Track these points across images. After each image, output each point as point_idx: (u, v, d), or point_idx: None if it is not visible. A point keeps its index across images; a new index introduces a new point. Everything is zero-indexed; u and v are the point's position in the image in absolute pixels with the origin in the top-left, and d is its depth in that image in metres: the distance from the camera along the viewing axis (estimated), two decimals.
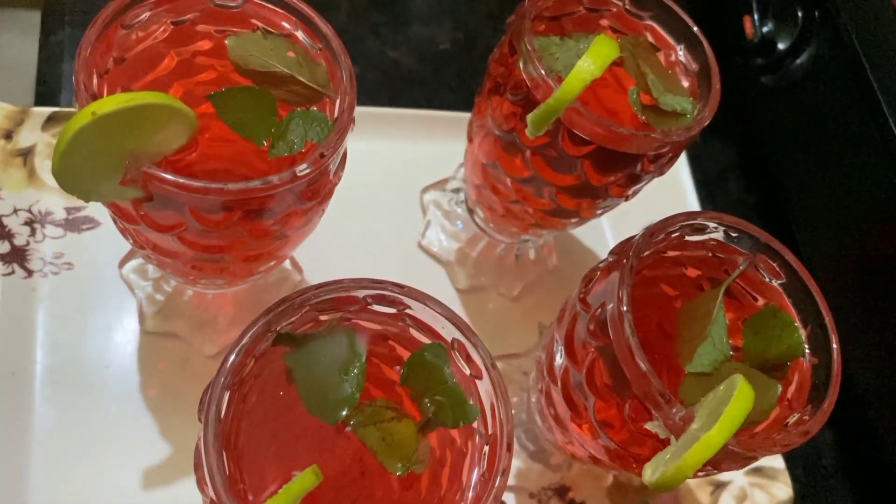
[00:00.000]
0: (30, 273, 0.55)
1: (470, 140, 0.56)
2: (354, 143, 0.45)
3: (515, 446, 0.58)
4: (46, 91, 0.63)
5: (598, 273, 0.45)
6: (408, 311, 0.39)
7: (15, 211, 0.57)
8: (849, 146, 0.69)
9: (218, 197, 0.37)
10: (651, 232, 0.43)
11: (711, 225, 0.45)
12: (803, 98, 0.74)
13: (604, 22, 0.53)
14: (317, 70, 0.43)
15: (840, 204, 0.71)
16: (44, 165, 0.59)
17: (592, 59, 0.41)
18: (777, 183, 0.77)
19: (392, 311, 0.39)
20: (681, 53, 0.53)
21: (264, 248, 0.43)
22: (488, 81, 0.53)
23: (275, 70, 0.42)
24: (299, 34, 0.44)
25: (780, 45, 0.74)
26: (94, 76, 0.39)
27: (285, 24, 0.44)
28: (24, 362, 0.53)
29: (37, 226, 0.57)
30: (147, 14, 0.42)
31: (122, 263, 0.57)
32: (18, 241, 0.56)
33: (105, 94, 0.41)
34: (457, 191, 0.66)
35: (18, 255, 0.56)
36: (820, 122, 0.73)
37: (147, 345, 0.56)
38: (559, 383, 0.46)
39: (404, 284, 0.38)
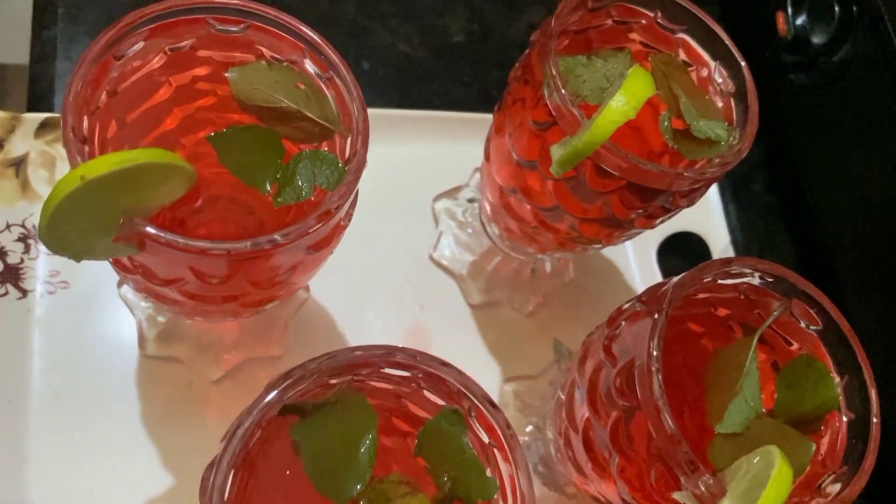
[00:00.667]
0: (24, 293, 0.53)
1: (487, 158, 0.53)
2: None
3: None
4: (39, 93, 0.60)
5: (624, 321, 0.42)
6: (421, 375, 0.36)
7: (8, 226, 0.54)
8: (884, 151, 0.66)
9: (219, 259, 0.34)
10: (683, 283, 0.40)
11: (746, 271, 0.42)
12: (837, 98, 0.70)
13: (633, 35, 0.50)
14: (326, 104, 0.40)
15: (872, 211, 0.68)
16: (38, 176, 0.56)
17: (626, 97, 0.38)
18: (804, 186, 0.73)
19: (405, 374, 0.36)
20: (715, 72, 0.49)
21: (270, 294, 0.41)
22: (509, 98, 0.49)
23: (281, 105, 0.38)
24: (306, 62, 0.41)
25: (815, 42, 0.70)
26: (85, 117, 0.36)
27: (291, 52, 0.41)
28: (20, 389, 0.51)
29: (31, 241, 0.54)
30: (141, 44, 0.38)
31: (121, 283, 0.55)
32: (12, 260, 0.53)
33: (97, 131, 0.38)
34: (471, 201, 0.63)
35: (12, 275, 0.53)
36: (853, 123, 0.69)
37: (148, 369, 0.53)
38: (580, 432, 0.44)
39: (417, 351, 0.35)
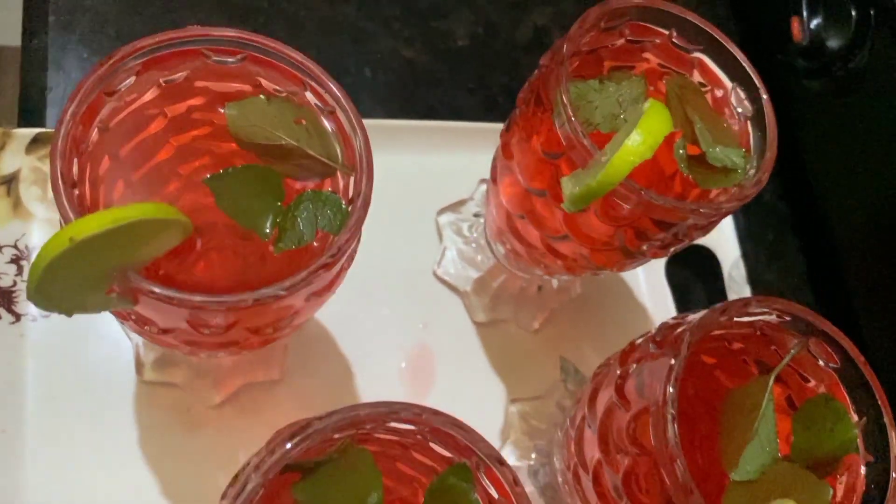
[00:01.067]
0: (18, 318, 0.52)
1: (493, 181, 0.51)
2: None
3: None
4: (30, 105, 0.58)
5: (635, 363, 0.41)
6: (427, 429, 0.35)
7: None
8: None
9: (216, 312, 0.32)
10: (701, 324, 0.39)
11: (764, 310, 0.41)
12: (851, 105, 0.68)
13: (647, 55, 0.48)
14: (327, 140, 0.38)
15: (885, 221, 0.66)
16: (30, 193, 0.54)
17: (643, 136, 0.36)
18: (816, 195, 0.72)
19: (410, 427, 0.35)
20: (731, 94, 0.47)
21: (270, 338, 0.39)
22: (517, 120, 0.47)
23: (281, 143, 0.37)
24: (307, 94, 0.39)
25: (830, 48, 0.68)
26: (75, 158, 0.34)
27: (290, 83, 0.39)
28: (15, 417, 0.50)
29: (24, 263, 0.53)
30: (133, 78, 0.36)
31: None
32: (4, 283, 0.52)
33: (88, 170, 0.36)
34: (477, 215, 0.61)
35: (5, 298, 0.52)
36: (868, 131, 0.67)
37: (145, 395, 0.52)
38: (590, 471, 0.43)
39: (423, 407, 0.33)
